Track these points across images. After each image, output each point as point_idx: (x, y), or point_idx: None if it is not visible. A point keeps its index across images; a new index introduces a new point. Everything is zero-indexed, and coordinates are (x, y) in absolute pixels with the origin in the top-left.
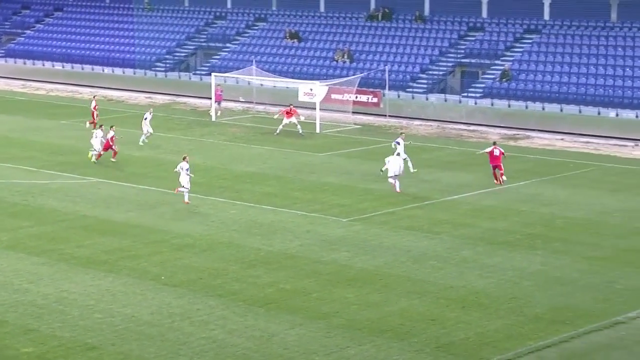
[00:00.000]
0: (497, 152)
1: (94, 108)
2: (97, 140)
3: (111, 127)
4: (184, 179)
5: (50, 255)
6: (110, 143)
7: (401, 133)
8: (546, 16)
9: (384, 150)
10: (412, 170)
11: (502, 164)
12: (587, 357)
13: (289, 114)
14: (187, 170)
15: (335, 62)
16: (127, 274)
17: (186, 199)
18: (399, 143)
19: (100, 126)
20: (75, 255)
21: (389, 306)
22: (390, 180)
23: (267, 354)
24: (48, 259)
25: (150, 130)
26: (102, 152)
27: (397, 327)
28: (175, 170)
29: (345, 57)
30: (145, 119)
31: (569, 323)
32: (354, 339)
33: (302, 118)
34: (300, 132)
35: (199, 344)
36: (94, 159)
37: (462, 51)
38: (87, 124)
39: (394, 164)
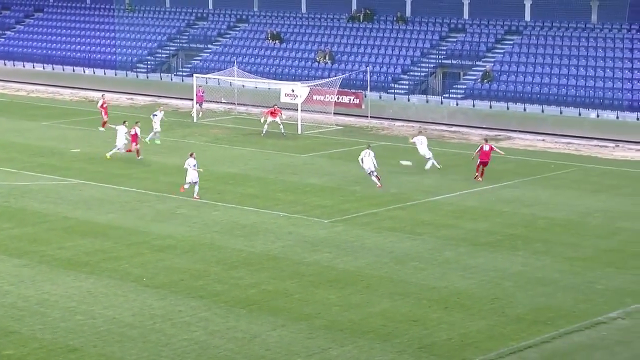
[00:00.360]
0: (486, 148)
1: (103, 107)
2: (121, 136)
3: (136, 122)
4: (192, 175)
5: (32, 257)
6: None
7: (419, 132)
8: (527, 17)
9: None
10: (438, 166)
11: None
12: (569, 357)
13: (273, 113)
14: (194, 166)
15: (316, 63)
16: (108, 275)
17: (195, 195)
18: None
19: (124, 122)
20: (56, 257)
21: (371, 307)
22: (373, 178)
23: (249, 355)
24: (29, 260)
25: (158, 129)
26: (133, 147)
27: (380, 328)
28: (184, 167)
29: (327, 58)
30: (155, 115)
31: (550, 323)
32: (336, 340)
33: (284, 117)
34: (283, 132)
35: (180, 345)
36: (113, 151)
37: (444, 52)
38: (101, 128)
39: (368, 162)
